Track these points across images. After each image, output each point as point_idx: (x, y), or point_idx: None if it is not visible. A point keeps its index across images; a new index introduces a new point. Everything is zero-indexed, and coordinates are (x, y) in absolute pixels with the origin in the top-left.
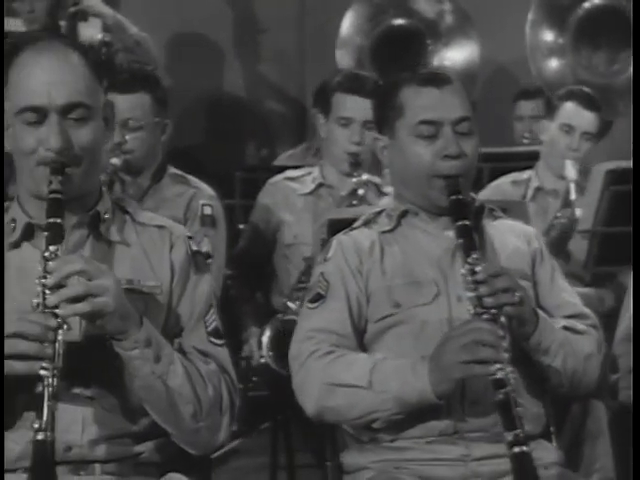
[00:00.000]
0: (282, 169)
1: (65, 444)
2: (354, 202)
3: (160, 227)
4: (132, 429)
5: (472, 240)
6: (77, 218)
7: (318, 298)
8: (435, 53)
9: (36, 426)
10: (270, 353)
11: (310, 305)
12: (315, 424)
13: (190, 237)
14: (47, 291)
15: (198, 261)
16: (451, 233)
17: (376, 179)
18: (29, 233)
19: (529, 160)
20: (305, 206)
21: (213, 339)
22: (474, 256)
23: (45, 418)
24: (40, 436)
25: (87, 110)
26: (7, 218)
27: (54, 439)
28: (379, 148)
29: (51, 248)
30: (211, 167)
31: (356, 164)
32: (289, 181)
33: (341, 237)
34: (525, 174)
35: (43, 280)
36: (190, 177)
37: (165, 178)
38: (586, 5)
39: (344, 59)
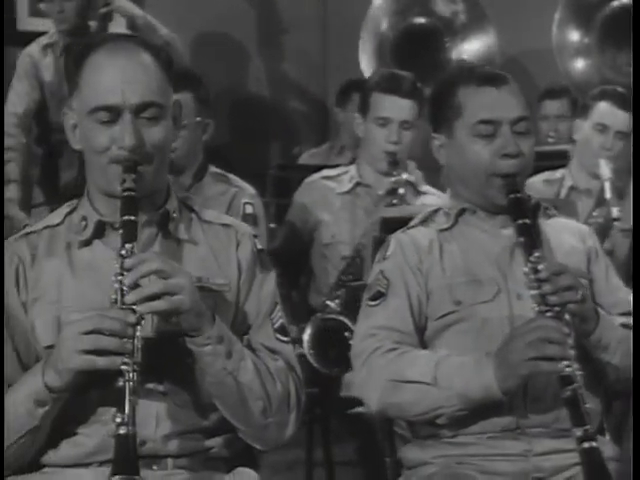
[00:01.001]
0: (315, 168)
1: (139, 438)
2: (394, 201)
3: (226, 225)
4: (203, 424)
5: (533, 239)
6: (147, 216)
7: (379, 296)
8: (453, 49)
9: (118, 420)
10: (311, 351)
11: (371, 303)
12: (358, 421)
13: (255, 235)
14: (125, 288)
15: (263, 259)
16: (508, 231)
17: (413, 178)
18: (100, 231)
19: (557, 159)
20: (343, 205)
21: (279, 336)
22: (536, 254)
23: (127, 412)
24: (122, 430)
25: (159, 109)
26: (77, 216)
27: (135, 433)
28: (435, 147)
29: (127, 246)
30: (237, 166)
31: (394, 163)
32: (326, 180)
33: (399, 235)
34: (558, 173)
35: (120, 277)
36: (231, 176)
37: (206, 177)
38: (613, 4)
39: (365, 56)
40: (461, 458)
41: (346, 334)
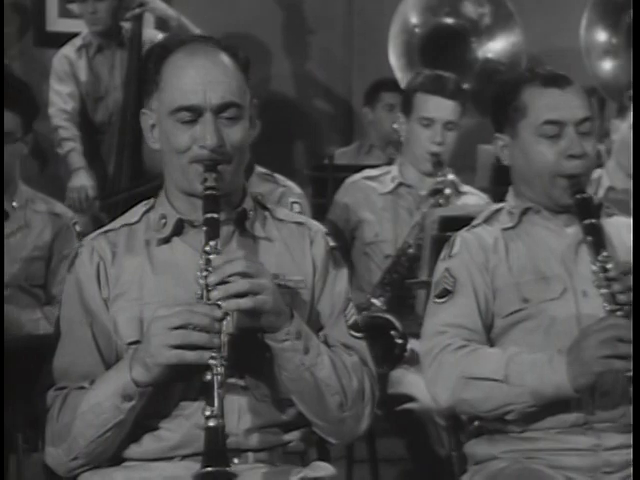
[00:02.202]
0: (353, 168)
1: None
2: (440, 201)
3: (299, 223)
4: (281, 419)
5: (601, 238)
6: (225, 214)
7: (445, 294)
8: (478, 48)
9: (207, 413)
10: None
11: (437, 300)
12: (406, 417)
13: (328, 233)
14: (210, 284)
15: (335, 256)
16: (572, 229)
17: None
18: (179, 229)
19: None
20: (385, 205)
21: (353, 332)
22: (604, 254)
23: (216, 405)
24: (212, 423)
25: (238, 109)
26: (155, 215)
27: (224, 425)
28: (499, 147)
29: (211, 243)
30: (268, 165)
31: (438, 164)
32: (368, 180)
33: (464, 234)
34: (595, 173)
35: (205, 274)
36: (277, 175)
37: (253, 177)
38: None
39: (393, 53)
40: (530, 453)
41: (392, 332)
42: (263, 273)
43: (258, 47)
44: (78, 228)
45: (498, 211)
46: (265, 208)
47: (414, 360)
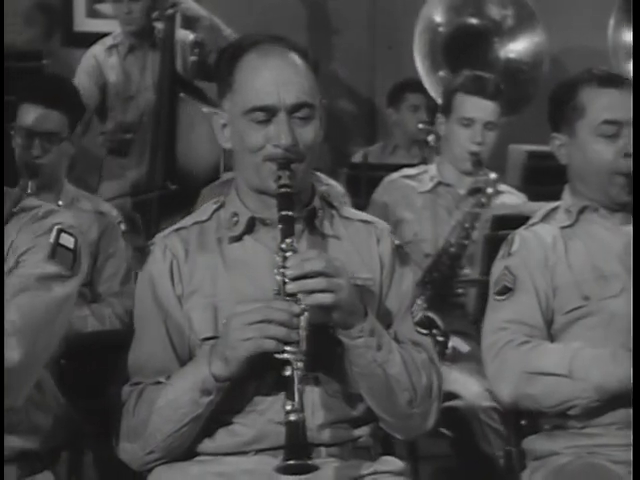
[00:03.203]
0: (388, 167)
1: None
2: (482, 200)
3: (365, 222)
4: (351, 414)
5: None
6: (295, 213)
7: (506, 291)
8: (501, 48)
9: (288, 408)
10: None
11: (498, 297)
12: (451, 414)
13: (392, 231)
14: (287, 281)
15: (401, 254)
16: (628, 228)
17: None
18: (251, 226)
19: None
20: (424, 204)
21: (420, 329)
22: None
23: (296, 399)
24: (293, 417)
25: (311, 109)
26: (226, 213)
27: (305, 419)
28: (555, 146)
29: (287, 240)
30: None
31: (478, 163)
32: (407, 179)
33: (523, 232)
34: None
35: (282, 271)
36: (319, 174)
37: None
38: None
39: (418, 53)
40: (592, 448)
41: (433, 330)
42: (340, 271)
43: None
44: (123, 227)
45: (555, 210)
46: (332, 206)
47: (456, 358)
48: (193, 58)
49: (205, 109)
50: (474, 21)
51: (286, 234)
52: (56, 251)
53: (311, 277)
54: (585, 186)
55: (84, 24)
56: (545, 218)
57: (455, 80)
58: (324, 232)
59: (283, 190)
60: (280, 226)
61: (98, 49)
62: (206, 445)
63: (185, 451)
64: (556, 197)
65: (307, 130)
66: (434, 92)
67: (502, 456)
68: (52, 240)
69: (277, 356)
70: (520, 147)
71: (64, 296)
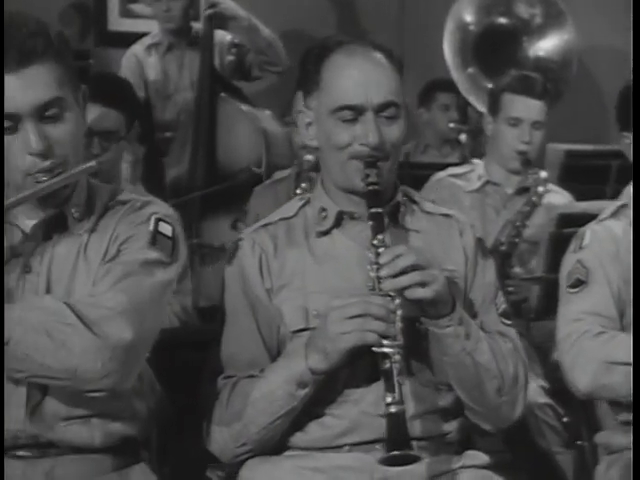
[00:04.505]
0: (432, 166)
1: None
2: (533, 199)
3: (446, 215)
4: (439, 405)
5: None
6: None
7: (579, 284)
8: (530, 47)
9: (389, 400)
10: None
11: (571, 290)
12: None
13: (472, 225)
14: (381, 277)
15: (483, 247)
16: None
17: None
18: (339, 221)
19: None
20: (472, 203)
21: (504, 320)
22: None
23: (397, 392)
24: (394, 409)
25: (397, 109)
26: (313, 208)
27: (405, 410)
28: (625, 145)
29: (379, 237)
30: None
31: (527, 162)
32: (454, 178)
33: (594, 227)
34: None
35: (375, 267)
36: None
37: None
38: None
39: (449, 52)
40: None
41: None
42: (432, 263)
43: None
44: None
45: (624, 206)
46: (413, 201)
47: None
48: (230, 58)
49: (244, 107)
50: (503, 20)
51: (377, 230)
52: (156, 238)
53: (405, 272)
54: None
55: (118, 24)
56: (615, 214)
57: (502, 80)
58: (407, 226)
59: (371, 187)
60: (370, 223)
61: (138, 48)
62: (298, 438)
63: (275, 444)
64: (593, 195)
65: (393, 129)
66: (464, 91)
67: (562, 452)
68: (151, 228)
69: (375, 349)
70: (558, 146)
71: (166, 281)
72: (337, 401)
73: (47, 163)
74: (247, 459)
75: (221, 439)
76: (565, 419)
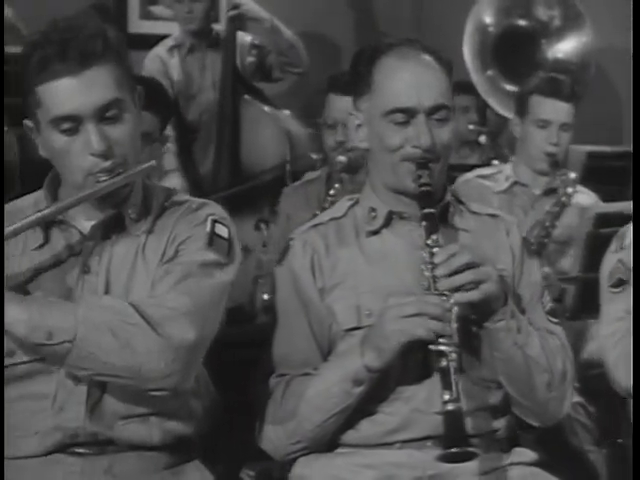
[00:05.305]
0: (459, 167)
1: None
2: (563, 199)
3: (493, 215)
4: (489, 402)
5: None
6: None
7: (621, 283)
8: (548, 49)
9: (446, 397)
10: None
11: (613, 290)
12: None
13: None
14: (437, 276)
15: (528, 246)
16: None
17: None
18: (389, 221)
19: None
20: (500, 203)
21: (551, 318)
22: None
23: (454, 389)
24: (451, 407)
25: (447, 111)
26: (362, 208)
27: (462, 408)
28: None
29: (433, 237)
30: None
31: (555, 164)
32: (482, 179)
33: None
34: None
35: (430, 266)
36: None
37: None
38: None
39: (468, 54)
40: None
41: None
42: (486, 262)
43: (330, 46)
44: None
45: None
46: (460, 202)
47: None
48: (251, 59)
49: (267, 109)
50: (523, 22)
51: (431, 230)
52: (213, 240)
53: (460, 271)
54: None
55: (138, 26)
56: None
57: (530, 82)
58: (456, 226)
59: (424, 189)
60: (424, 223)
61: (161, 50)
62: (349, 436)
63: (327, 441)
64: (615, 196)
65: (444, 131)
66: (484, 93)
67: (594, 450)
68: (208, 230)
69: (432, 348)
70: (580, 147)
71: (224, 282)
72: (389, 398)
73: (108, 163)
74: (299, 457)
75: (275, 437)
76: (595, 417)
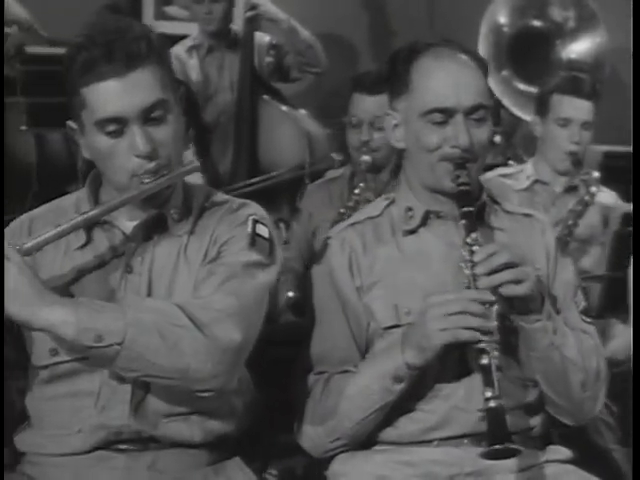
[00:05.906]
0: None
1: (480, 415)
2: (586, 198)
3: (527, 215)
4: (525, 400)
5: None
6: None
7: None
8: (562, 50)
9: (488, 395)
10: None
11: None
12: None
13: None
14: (477, 274)
15: (562, 245)
16: None
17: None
18: (425, 220)
19: None
20: (521, 202)
21: (584, 317)
22: None
23: (495, 387)
24: (493, 404)
25: (485, 111)
26: (398, 208)
27: (503, 405)
28: None
29: (472, 235)
30: None
31: (578, 162)
32: (503, 178)
33: None
34: None
35: (470, 264)
36: None
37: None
38: None
39: (483, 54)
40: None
41: None
42: (525, 260)
43: (345, 46)
44: None
45: None
46: (495, 202)
47: None
48: (269, 59)
49: (285, 109)
50: (537, 23)
51: (470, 229)
52: (255, 240)
53: (500, 270)
54: None
55: (152, 26)
56: None
57: (551, 81)
58: (492, 225)
59: (463, 188)
60: (463, 222)
61: (179, 50)
62: (387, 433)
63: (366, 439)
64: (630, 196)
65: (481, 131)
66: (498, 93)
67: (618, 449)
68: (249, 230)
69: (474, 346)
70: (596, 147)
71: (267, 283)
72: (427, 396)
73: (153, 164)
74: (337, 454)
75: (314, 434)
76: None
